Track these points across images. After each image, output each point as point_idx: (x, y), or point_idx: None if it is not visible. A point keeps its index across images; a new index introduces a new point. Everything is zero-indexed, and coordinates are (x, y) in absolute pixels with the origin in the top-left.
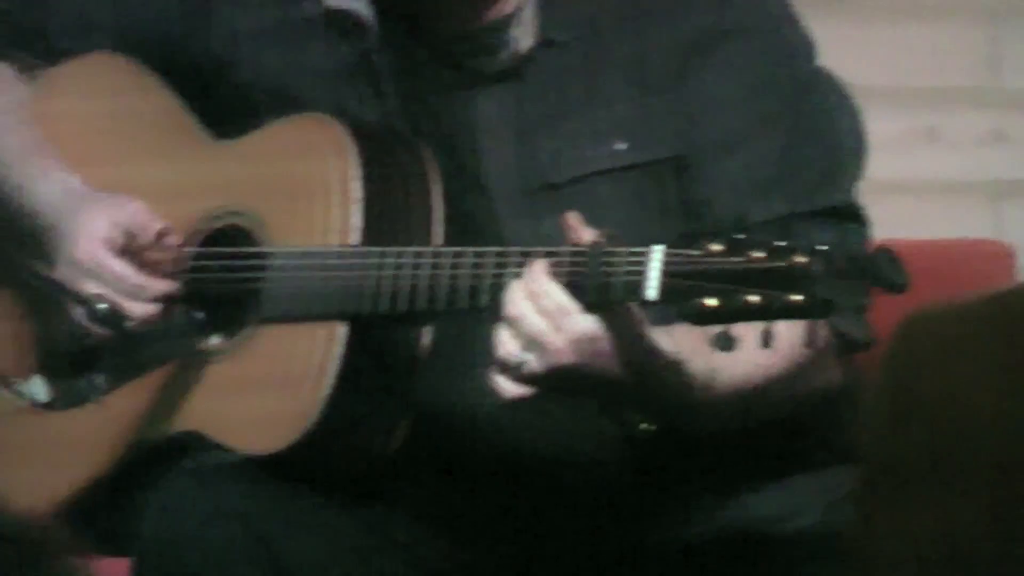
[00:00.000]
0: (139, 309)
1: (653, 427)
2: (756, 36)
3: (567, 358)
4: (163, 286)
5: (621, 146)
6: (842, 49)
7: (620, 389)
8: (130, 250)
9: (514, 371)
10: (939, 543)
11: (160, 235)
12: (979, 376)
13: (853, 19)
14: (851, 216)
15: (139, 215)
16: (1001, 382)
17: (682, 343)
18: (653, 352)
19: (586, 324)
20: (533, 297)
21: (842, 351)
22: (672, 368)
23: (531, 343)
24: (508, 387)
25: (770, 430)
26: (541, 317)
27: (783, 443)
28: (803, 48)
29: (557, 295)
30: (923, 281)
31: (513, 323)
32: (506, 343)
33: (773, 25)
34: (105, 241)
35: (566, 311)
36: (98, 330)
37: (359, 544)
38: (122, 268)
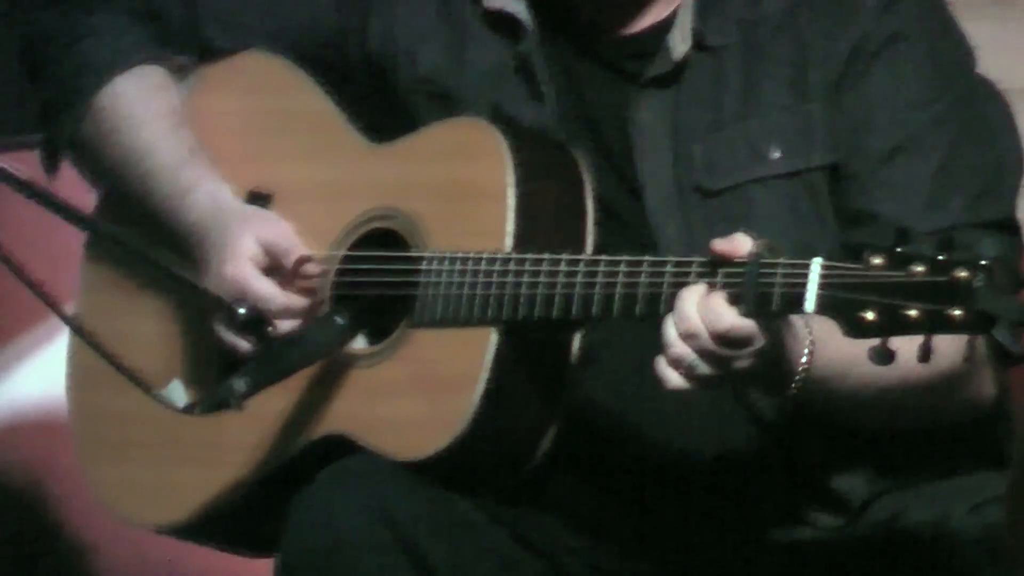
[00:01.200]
0: (282, 326)
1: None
2: (919, 43)
3: (734, 366)
4: (304, 304)
5: (776, 154)
6: (996, 51)
7: (764, 382)
8: (275, 269)
9: (686, 368)
10: None
11: (300, 262)
12: None
13: (1008, 21)
14: (1010, 228)
15: (285, 238)
16: None
17: (819, 332)
18: (793, 354)
19: (749, 332)
20: (704, 313)
21: (997, 363)
22: (815, 373)
23: (703, 353)
24: (675, 380)
25: (923, 434)
26: (712, 339)
27: (935, 448)
28: (965, 56)
29: (728, 317)
30: None
31: (687, 336)
32: (678, 345)
33: (936, 32)
34: (252, 260)
35: (736, 330)
36: (240, 336)
37: (503, 551)
38: (267, 287)
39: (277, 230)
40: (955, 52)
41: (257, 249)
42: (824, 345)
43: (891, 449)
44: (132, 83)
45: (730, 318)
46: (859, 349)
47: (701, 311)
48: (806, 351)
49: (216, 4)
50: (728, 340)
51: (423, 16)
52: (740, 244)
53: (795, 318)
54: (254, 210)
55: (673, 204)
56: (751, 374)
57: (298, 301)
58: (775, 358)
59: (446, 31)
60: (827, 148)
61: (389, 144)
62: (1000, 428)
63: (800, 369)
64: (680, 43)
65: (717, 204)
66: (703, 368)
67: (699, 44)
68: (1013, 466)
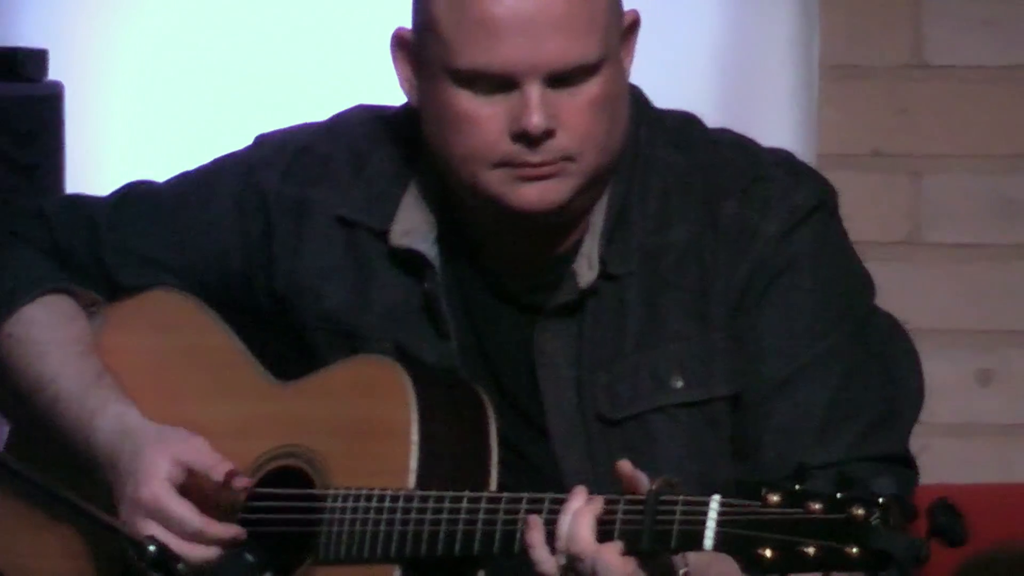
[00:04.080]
0: (198, 552)
1: None
2: (814, 273)
3: None
4: (224, 531)
5: (678, 383)
6: (900, 291)
7: None
8: (193, 491)
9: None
10: None
11: (229, 476)
12: None
13: (912, 262)
14: (904, 462)
15: (203, 455)
16: None
17: (694, 562)
18: None
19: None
20: (566, 542)
21: None
22: None
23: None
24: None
25: None
26: (573, 568)
27: None
28: (862, 288)
29: (588, 546)
30: (978, 525)
31: (574, 556)
32: (546, 563)
33: (832, 263)
34: (168, 480)
35: (597, 561)
36: (148, 569)
37: None
38: (184, 510)
39: (195, 446)
40: (852, 284)
41: (173, 469)
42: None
43: None
44: (41, 311)
45: (613, 560)
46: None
47: (591, 548)
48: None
49: (124, 242)
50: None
51: (329, 254)
52: (640, 476)
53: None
54: (168, 429)
55: (576, 434)
56: None
57: (215, 527)
58: None
59: (351, 269)
60: (728, 378)
61: (294, 382)
62: None
63: None
64: (587, 271)
65: (619, 433)
66: None
67: (603, 273)
68: None
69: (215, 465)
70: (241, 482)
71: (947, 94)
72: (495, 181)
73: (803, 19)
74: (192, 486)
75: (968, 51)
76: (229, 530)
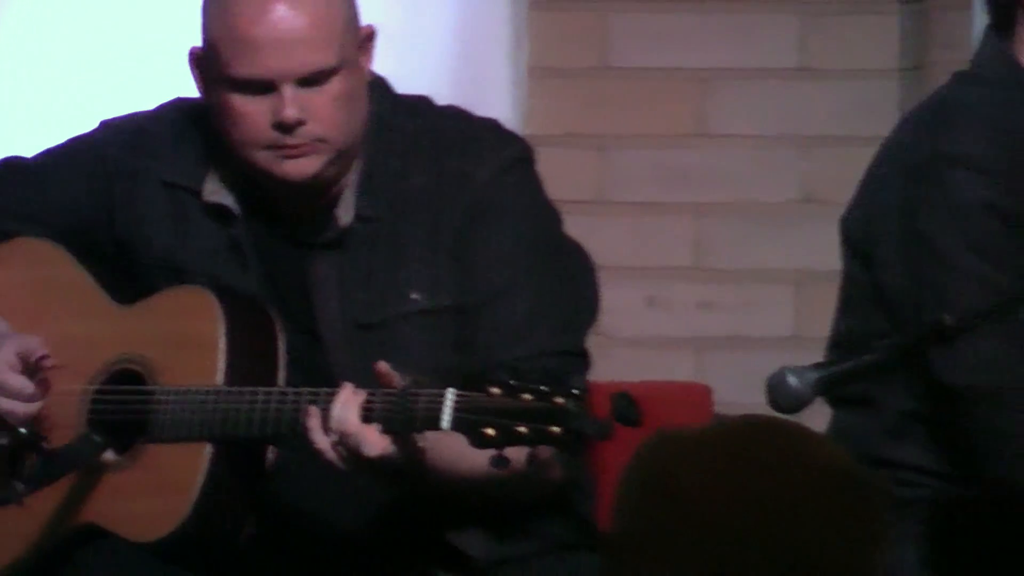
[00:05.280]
0: (25, 409)
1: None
2: (516, 209)
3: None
4: (39, 393)
5: (415, 296)
6: (589, 237)
7: (402, 478)
8: (28, 370)
9: (338, 453)
10: None
11: (41, 358)
12: (702, 477)
13: (597, 216)
14: (582, 355)
15: (31, 346)
16: (715, 480)
17: (452, 447)
18: (425, 457)
19: (383, 448)
20: (337, 424)
21: (573, 459)
22: (435, 467)
23: (340, 446)
24: (331, 456)
25: (527, 513)
26: (343, 443)
27: (538, 526)
28: (553, 219)
29: (353, 426)
30: (648, 414)
31: (341, 433)
32: (321, 442)
33: (531, 202)
34: (7, 363)
35: (361, 438)
36: (15, 443)
37: None
38: (18, 380)
39: (27, 341)
40: (545, 217)
41: (11, 356)
42: (446, 449)
43: (502, 519)
44: None
45: (372, 438)
46: (477, 455)
47: (356, 428)
48: (426, 452)
49: (6, 198)
50: (349, 441)
51: (156, 209)
52: (394, 374)
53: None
54: (12, 333)
55: (341, 340)
56: (392, 471)
57: (37, 394)
58: (409, 461)
59: (173, 220)
60: (453, 292)
61: (131, 305)
62: (583, 506)
63: (429, 469)
64: (345, 215)
65: (374, 337)
66: (349, 456)
67: (358, 216)
68: (613, 541)
69: (34, 351)
70: (50, 361)
71: (627, 90)
72: (263, 159)
73: (516, 28)
74: (31, 365)
75: (646, 56)
76: (47, 394)
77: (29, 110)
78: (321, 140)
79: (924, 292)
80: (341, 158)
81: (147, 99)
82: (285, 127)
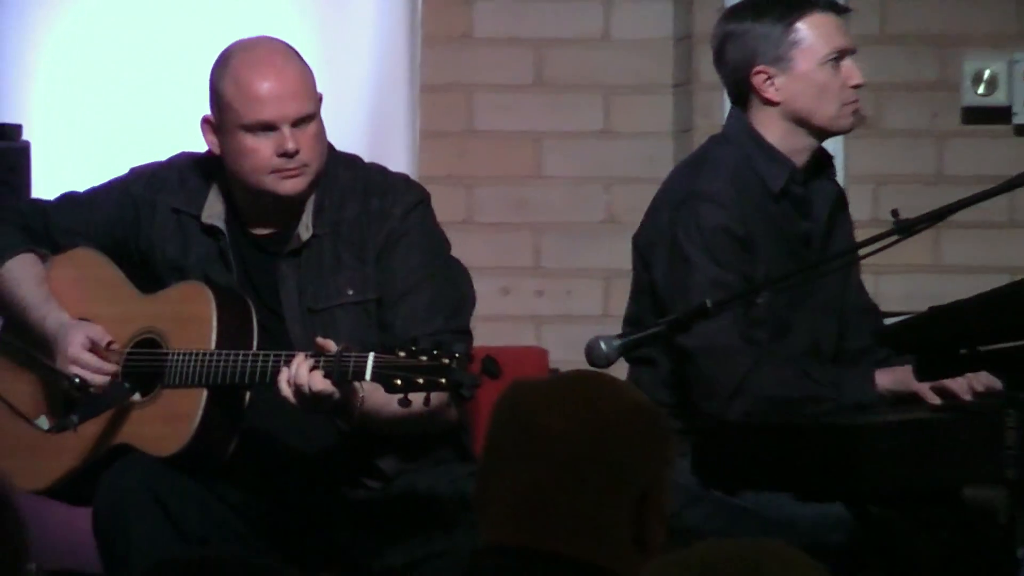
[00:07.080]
0: (98, 379)
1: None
2: (419, 235)
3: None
4: (110, 367)
5: (349, 292)
6: (462, 251)
7: (340, 413)
8: (94, 350)
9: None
10: (526, 494)
11: (109, 343)
12: (547, 412)
13: (467, 235)
14: (468, 333)
15: (98, 333)
16: (556, 413)
17: (373, 395)
18: (355, 400)
19: (326, 388)
20: (295, 376)
21: (458, 403)
22: (363, 408)
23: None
24: (291, 398)
25: (423, 438)
26: (298, 389)
27: (430, 446)
28: (445, 244)
29: (305, 376)
30: (506, 369)
31: (298, 385)
32: (286, 389)
33: (430, 232)
34: (81, 344)
35: (311, 382)
36: (73, 391)
37: (218, 514)
38: (90, 357)
39: (94, 328)
40: (439, 241)
41: (83, 339)
42: (370, 396)
43: (407, 445)
44: (16, 262)
45: (319, 383)
46: (390, 398)
47: (307, 378)
48: (361, 397)
49: (60, 223)
50: (318, 390)
51: (167, 229)
52: (332, 344)
53: (357, 383)
54: (84, 322)
55: (298, 320)
56: (333, 408)
57: (104, 365)
58: (344, 402)
59: (180, 237)
60: (376, 290)
61: (151, 295)
62: (463, 437)
63: (357, 407)
64: (305, 232)
65: (320, 319)
66: (302, 397)
67: (314, 234)
68: (483, 453)
69: (103, 337)
70: (115, 345)
71: (486, 146)
72: (269, 181)
73: (411, 103)
74: (95, 350)
75: (500, 123)
76: (111, 367)
77: (87, 160)
78: (307, 165)
79: (678, 287)
80: (314, 183)
81: (174, 141)
82: (287, 155)
